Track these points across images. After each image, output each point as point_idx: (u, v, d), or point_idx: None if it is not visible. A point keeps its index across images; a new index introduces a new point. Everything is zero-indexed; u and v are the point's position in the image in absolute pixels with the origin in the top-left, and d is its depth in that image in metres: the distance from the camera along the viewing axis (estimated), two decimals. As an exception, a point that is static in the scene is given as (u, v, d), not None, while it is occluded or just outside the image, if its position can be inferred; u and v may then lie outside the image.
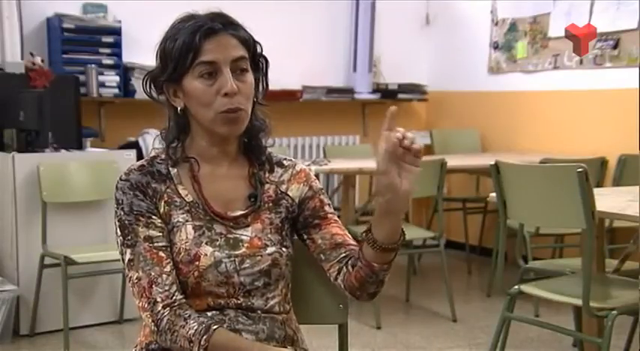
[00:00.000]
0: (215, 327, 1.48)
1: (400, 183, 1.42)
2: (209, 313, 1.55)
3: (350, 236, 1.65)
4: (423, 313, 4.39)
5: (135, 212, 1.54)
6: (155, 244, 1.53)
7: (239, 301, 1.56)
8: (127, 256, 1.54)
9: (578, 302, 2.64)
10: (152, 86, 1.59)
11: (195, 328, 1.47)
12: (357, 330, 3.94)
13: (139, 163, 1.61)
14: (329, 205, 1.67)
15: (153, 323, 1.51)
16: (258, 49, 1.60)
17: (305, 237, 1.66)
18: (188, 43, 1.50)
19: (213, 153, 1.60)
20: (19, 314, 3.88)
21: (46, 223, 3.81)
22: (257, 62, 1.60)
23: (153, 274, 1.51)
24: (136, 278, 1.52)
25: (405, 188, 1.43)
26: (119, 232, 1.55)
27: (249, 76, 1.56)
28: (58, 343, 3.74)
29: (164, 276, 1.51)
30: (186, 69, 1.52)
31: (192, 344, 1.46)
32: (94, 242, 3.92)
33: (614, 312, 2.58)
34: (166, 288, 1.51)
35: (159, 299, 1.50)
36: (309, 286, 1.79)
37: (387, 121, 1.42)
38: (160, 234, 1.54)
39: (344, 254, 1.61)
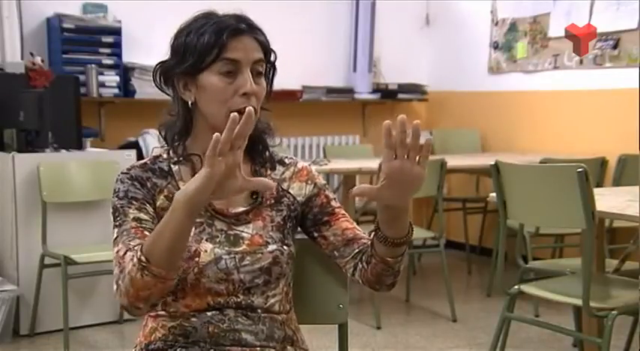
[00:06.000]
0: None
1: (411, 167, 1.41)
2: (209, 313, 1.54)
3: (359, 229, 1.66)
4: (423, 313, 4.39)
5: (129, 197, 1.54)
6: (142, 225, 1.51)
7: (239, 299, 1.56)
8: (114, 236, 1.52)
9: (578, 302, 2.64)
10: (162, 78, 1.59)
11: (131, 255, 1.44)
12: (357, 330, 3.94)
13: (142, 161, 1.63)
14: (334, 199, 1.68)
15: (115, 286, 1.45)
16: (272, 58, 1.60)
17: (315, 235, 1.66)
18: (215, 39, 1.51)
19: None
20: (19, 314, 3.88)
21: (46, 223, 3.81)
22: (267, 68, 1.61)
23: (132, 244, 1.47)
24: (116, 251, 1.49)
25: (416, 172, 1.41)
26: (112, 218, 1.54)
27: (263, 81, 1.57)
28: (58, 343, 3.74)
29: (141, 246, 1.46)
30: (208, 64, 1.52)
31: (134, 266, 1.41)
32: (94, 242, 3.91)
33: (614, 312, 2.58)
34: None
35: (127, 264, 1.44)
36: (309, 285, 1.79)
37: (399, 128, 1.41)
38: (150, 220, 1.53)
39: (357, 250, 1.62)
